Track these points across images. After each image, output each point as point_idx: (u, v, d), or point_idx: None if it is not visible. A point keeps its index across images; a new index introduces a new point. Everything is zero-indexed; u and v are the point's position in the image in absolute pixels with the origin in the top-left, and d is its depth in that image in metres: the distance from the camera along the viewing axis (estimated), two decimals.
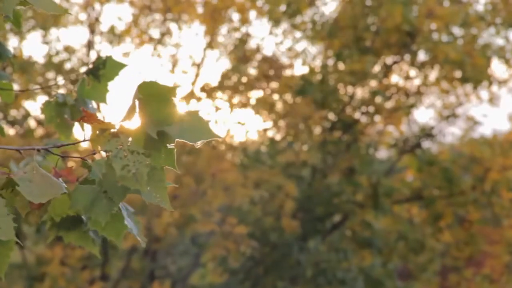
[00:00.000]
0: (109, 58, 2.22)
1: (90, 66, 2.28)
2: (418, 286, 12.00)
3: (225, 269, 10.52)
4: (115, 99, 2.38)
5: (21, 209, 1.61)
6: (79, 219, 1.91)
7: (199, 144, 1.43)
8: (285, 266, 10.61)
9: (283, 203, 10.33)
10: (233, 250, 9.87)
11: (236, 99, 10.38)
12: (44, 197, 1.47)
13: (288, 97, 11.00)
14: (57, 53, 9.94)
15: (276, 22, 10.81)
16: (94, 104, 2.28)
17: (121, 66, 2.22)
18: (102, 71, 2.22)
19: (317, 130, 11.43)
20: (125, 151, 1.43)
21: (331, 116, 11.46)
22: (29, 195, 1.45)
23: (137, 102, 1.42)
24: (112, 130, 1.46)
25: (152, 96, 1.41)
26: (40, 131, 10.01)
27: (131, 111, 1.43)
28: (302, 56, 11.23)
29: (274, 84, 10.67)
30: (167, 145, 1.44)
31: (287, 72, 10.93)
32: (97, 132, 1.49)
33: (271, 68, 10.49)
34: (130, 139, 1.44)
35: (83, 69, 2.30)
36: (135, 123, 1.44)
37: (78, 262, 9.75)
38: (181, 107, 1.43)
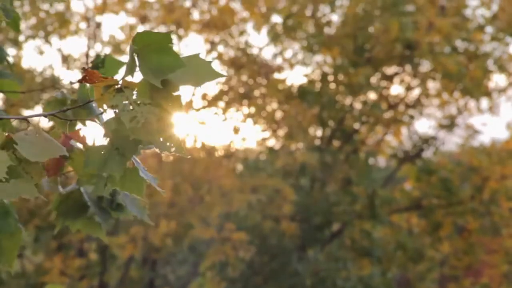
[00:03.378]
0: (108, 56, 2.23)
1: (90, 64, 2.29)
2: None
3: (223, 278, 10.47)
4: None
5: (36, 176, 1.59)
6: (84, 206, 1.92)
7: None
8: (284, 275, 10.56)
9: (281, 206, 10.32)
10: (232, 256, 9.85)
11: (234, 109, 10.42)
12: (43, 157, 1.44)
13: (280, 100, 11.00)
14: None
15: (275, 36, 10.87)
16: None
17: (120, 64, 2.23)
18: (101, 69, 2.24)
19: (312, 130, 11.43)
20: (132, 104, 1.42)
21: (331, 124, 11.46)
22: (27, 153, 1.42)
23: (135, 55, 1.41)
24: (116, 86, 1.46)
25: (149, 46, 1.40)
26: None
27: (131, 65, 1.43)
28: (300, 66, 11.27)
29: (264, 90, 10.70)
30: (173, 93, 1.43)
31: (276, 75, 10.95)
32: (102, 90, 1.50)
33: (261, 71, 10.50)
34: (135, 92, 1.44)
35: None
36: (138, 76, 1.43)
37: (77, 271, 9.72)
38: (180, 53, 1.41)
